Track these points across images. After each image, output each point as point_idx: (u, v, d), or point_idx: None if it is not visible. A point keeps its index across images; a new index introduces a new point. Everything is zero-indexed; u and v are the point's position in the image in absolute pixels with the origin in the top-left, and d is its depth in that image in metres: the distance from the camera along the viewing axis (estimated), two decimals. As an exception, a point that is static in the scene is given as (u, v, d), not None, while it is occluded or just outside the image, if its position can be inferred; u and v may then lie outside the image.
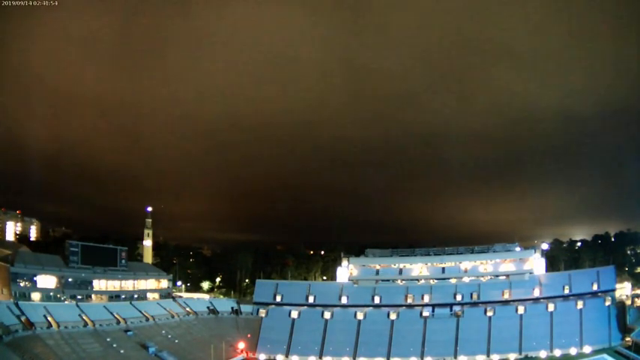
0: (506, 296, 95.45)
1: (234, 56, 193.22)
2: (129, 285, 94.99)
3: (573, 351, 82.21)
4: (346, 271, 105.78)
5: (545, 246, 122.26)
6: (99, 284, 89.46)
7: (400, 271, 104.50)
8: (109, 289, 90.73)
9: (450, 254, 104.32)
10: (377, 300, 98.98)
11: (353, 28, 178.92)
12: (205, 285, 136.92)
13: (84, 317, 77.99)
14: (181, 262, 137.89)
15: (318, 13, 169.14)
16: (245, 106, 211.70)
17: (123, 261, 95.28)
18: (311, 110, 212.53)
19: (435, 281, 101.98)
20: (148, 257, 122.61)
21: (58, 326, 71.88)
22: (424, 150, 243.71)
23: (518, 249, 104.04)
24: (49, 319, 72.84)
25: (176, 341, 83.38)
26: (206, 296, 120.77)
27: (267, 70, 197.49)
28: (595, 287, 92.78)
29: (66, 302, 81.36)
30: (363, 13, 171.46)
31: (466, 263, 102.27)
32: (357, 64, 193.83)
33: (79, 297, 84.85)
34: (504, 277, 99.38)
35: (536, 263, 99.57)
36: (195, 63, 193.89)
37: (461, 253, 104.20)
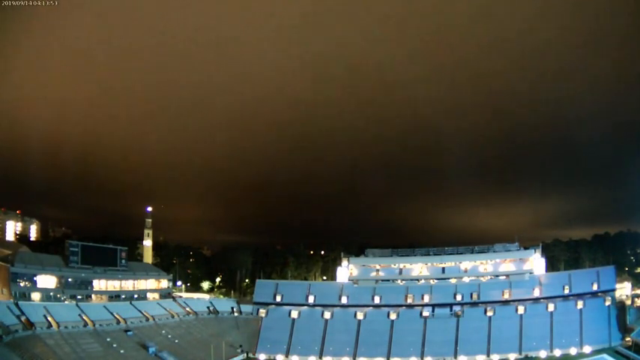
0: (506, 296, 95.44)
1: (230, 56, 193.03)
2: (129, 285, 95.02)
3: (573, 351, 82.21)
4: (346, 271, 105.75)
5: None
6: (99, 284, 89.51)
7: (400, 271, 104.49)
8: (109, 289, 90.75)
9: (450, 254, 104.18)
10: (377, 300, 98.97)
11: (358, 27, 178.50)
12: (205, 285, 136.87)
13: (84, 317, 78.07)
14: (181, 262, 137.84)
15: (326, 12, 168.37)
16: (244, 108, 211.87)
17: (123, 261, 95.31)
18: (311, 112, 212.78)
19: (435, 281, 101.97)
20: (148, 257, 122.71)
21: (58, 326, 71.98)
22: (425, 151, 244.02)
23: (518, 249, 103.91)
24: (49, 319, 72.94)
25: (176, 341, 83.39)
26: (206, 296, 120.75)
27: (268, 72, 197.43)
28: (595, 287, 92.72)
29: (66, 302, 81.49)
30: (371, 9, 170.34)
31: (466, 263, 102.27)
32: (359, 65, 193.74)
33: (79, 297, 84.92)
34: (504, 277, 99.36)
35: (536, 263, 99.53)
36: (194, 63, 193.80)
37: (461, 253, 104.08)
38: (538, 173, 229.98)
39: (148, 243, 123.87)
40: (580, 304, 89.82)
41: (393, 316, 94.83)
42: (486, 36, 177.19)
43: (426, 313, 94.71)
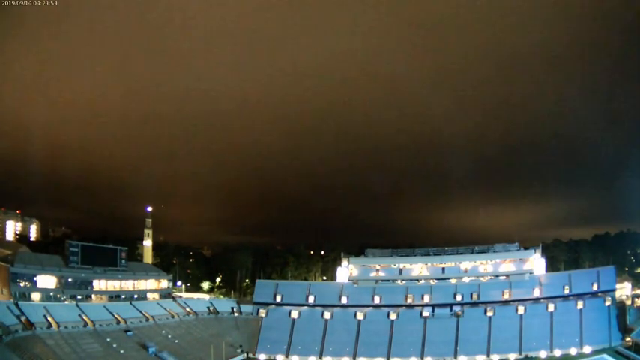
0: (506, 296, 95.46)
1: (232, 57, 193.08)
2: (129, 285, 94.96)
3: (573, 351, 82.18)
4: (346, 271, 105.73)
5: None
6: (99, 284, 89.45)
7: (400, 271, 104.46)
8: (109, 289, 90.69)
9: (450, 254, 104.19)
10: (377, 300, 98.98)
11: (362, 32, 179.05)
12: (205, 285, 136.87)
13: (84, 317, 78.03)
14: (181, 262, 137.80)
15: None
16: (244, 108, 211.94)
17: (123, 261, 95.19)
18: (310, 114, 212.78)
19: (435, 281, 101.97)
20: (148, 257, 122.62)
21: (58, 326, 71.93)
22: (425, 152, 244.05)
23: (518, 249, 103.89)
24: (49, 319, 72.89)
25: (176, 341, 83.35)
26: (206, 296, 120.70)
27: (267, 73, 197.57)
28: (595, 287, 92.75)
29: (66, 302, 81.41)
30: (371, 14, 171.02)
31: (466, 263, 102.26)
32: (361, 68, 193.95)
33: (79, 297, 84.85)
34: (504, 277, 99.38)
35: (536, 263, 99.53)
36: (194, 64, 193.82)
37: (461, 253, 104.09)
38: (538, 173, 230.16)
39: (147, 243, 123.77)
40: (580, 304, 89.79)
41: (393, 316, 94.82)
42: (486, 40, 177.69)
43: (426, 313, 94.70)
